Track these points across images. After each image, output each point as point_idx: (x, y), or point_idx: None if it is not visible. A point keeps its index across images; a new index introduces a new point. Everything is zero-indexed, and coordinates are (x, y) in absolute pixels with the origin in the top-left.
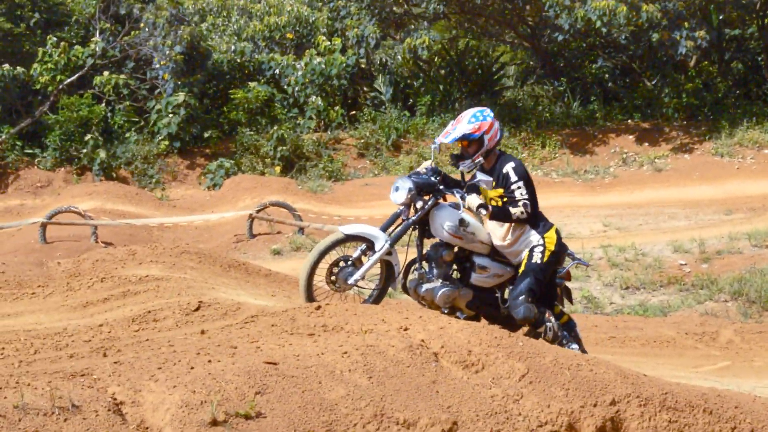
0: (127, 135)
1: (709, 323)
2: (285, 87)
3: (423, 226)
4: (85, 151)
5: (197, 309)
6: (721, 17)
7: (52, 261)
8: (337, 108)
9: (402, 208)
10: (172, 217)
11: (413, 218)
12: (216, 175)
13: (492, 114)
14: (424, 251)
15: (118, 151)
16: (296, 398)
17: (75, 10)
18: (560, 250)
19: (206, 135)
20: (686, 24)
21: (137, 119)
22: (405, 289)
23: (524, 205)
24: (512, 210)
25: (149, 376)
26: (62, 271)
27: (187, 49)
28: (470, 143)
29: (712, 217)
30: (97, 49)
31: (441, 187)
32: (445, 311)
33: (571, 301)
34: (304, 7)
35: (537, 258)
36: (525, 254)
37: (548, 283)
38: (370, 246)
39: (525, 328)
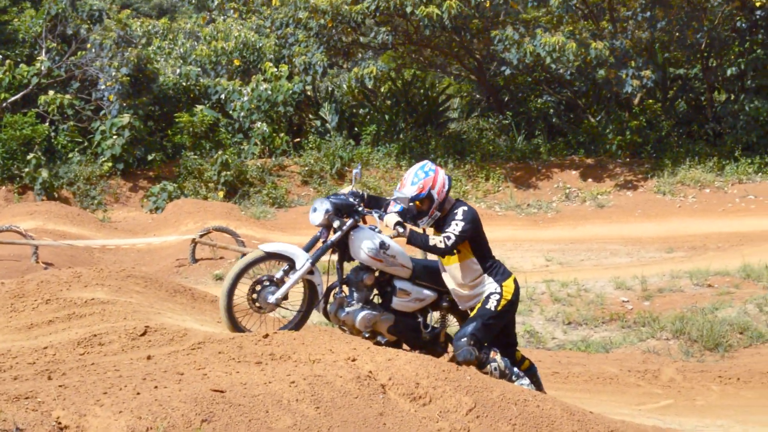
0: (70, 155)
1: (652, 361)
2: (230, 112)
3: (343, 249)
4: (27, 170)
5: (143, 334)
6: (666, 56)
7: None
8: (282, 135)
9: (321, 230)
10: (114, 239)
11: (332, 239)
12: (159, 198)
13: (432, 167)
14: (345, 275)
15: (61, 171)
16: (243, 427)
17: (21, 29)
18: (516, 300)
19: (150, 158)
20: (632, 63)
21: (81, 140)
22: (326, 314)
23: (446, 237)
24: (431, 238)
25: (94, 401)
26: (6, 292)
27: (133, 71)
28: (422, 202)
29: (654, 254)
30: (42, 68)
31: (360, 208)
32: (366, 335)
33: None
34: (252, 33)
35: (491, 305)
36: (481, 300)
37: (507, 330)
38: (293, 266)
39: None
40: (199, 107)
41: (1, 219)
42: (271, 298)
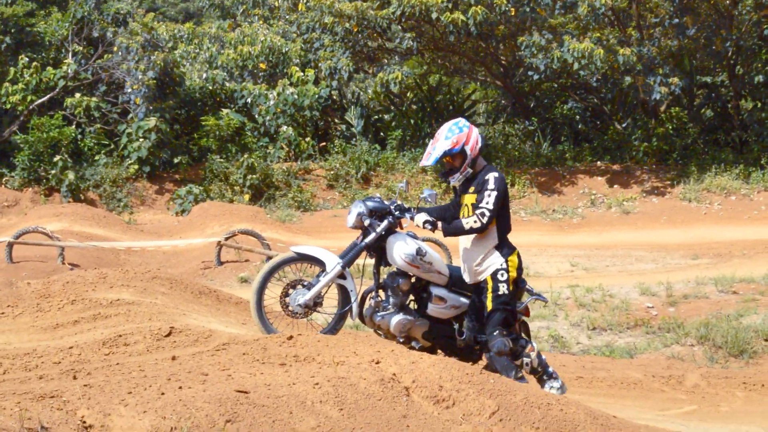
0: (97, 158)
1: (676, 367)
2: (256, 116)
3: (380, 254)
4: (53, 172)
5: (168, 335)
6: (693, 63)
7: (20, 281)
8: (308, 139)
9: (360, 236)
10: (140, 242)
11: (365, 241)
12: (185, 201)
13: (467, 123)
14: (382, 279)
15: (87, 174)
16: (266, 428)
17: (47, 32)
18: (519, 276)
19: (176, 160)
20: (660, 70)
21: (107, 142)
22: (361, 318)
23: (481, 214)
24: (464, 221)
25: (119, 401)
26: (32, 292)
27: (159, 74)
28: (454, 157)
29: (679, 261)
30: (69, 71)
31: (396, 212)
32: (401, 340)
33: (529, 336)
34: (278, 38)
35: (503, 289)
36: (488, 280)
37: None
38: (325, 269)
39: (482, 363)
40: (225, 111)
41: (27, 220)
42: (301, 300)
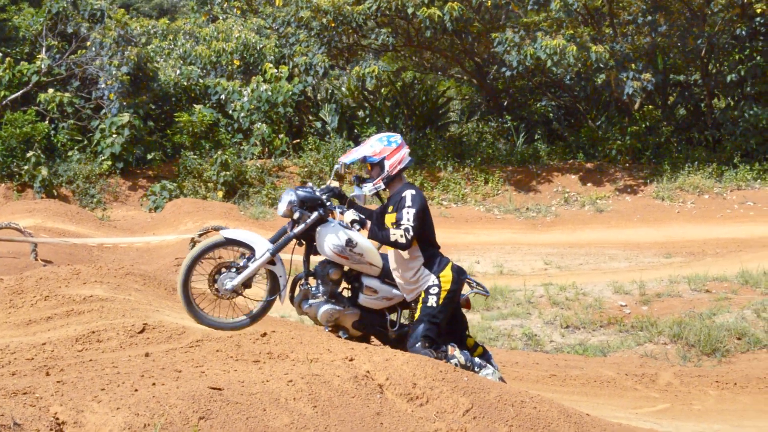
0: (70, 153)
1: (649, 365)
2: (230, 112)
3: (310, 243)
4: (26, 167)
5: (142, 331)
6: (666, 62)
7: None
8: (282, 135)
9: (289, 221)
10: (113, 238)
11: (294, 232)
12: (158, 198)
13: (399, 141)
14: (314, 267)
15: (60, 170)
16: (240, 425)
17: (21, 27)
18: (457, 288)
19: (149, 157)
20: (633, 66)
21: (80, 138)
22: (292, 303)
23: (405, 230)
24: (392, 232)
25: (92, 397)
26: (5, 288)
27: (133, 70)
28: (373, 167)
29: (652, 259)
30: (42, 66)
31: (328, 203)
32: (328, 329)
33: (467, 328)
34: (252, 34)
35: (432, 302)
36: (421, 293)
37: (453, 317)
38: (254, 254)
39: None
40: (198, 107)
41: (0, 216)
42: (229, 285)
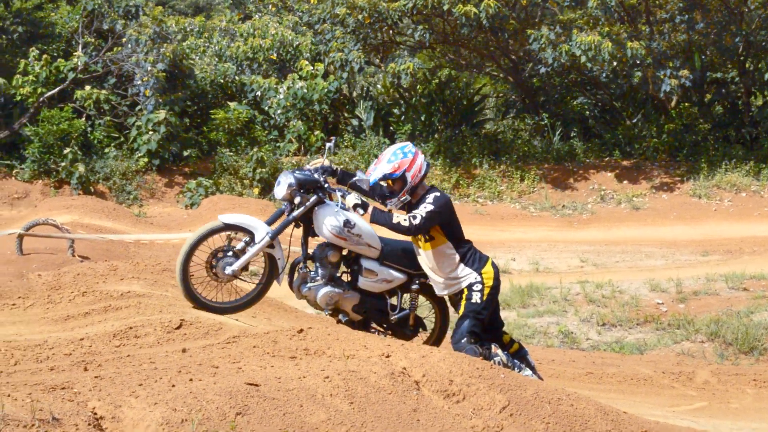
0: (107, 150)
1: (686, 363)
2: (266, 109)
3: (307, 225)
4: (63, 164)
5: (179, 327)
6: (703, 59)
7: (31, 273)
8: (317, 132)
9: (285, 204)
10: (150, 234)
11: (293, 215)
12: (194, 194)
13: (413, 149)
14: (312, 250)
15: (97, 166)
16: (277, 421)
17: (58, 24)
18: (498, 284)
19: (185, 153)
20: (670, 63)
21: (117, 135)
22: (291, 288)
23: (413, 216)
24: (395, 216)
25: (130, 392)
26: (43, 284)
27: (169, 66)
28: (394, 182)
29: (689, 257)
30: (79, 63)
31: (326, 185)
32: (327, 312)
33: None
34: (288, 31)
35: (476, 298)
36: (464, 290)
37: (492, 315)
38: (254, 238)
39: (418, 339)
40: (233, 104)
41: (37, 212)
42: (228, 269)
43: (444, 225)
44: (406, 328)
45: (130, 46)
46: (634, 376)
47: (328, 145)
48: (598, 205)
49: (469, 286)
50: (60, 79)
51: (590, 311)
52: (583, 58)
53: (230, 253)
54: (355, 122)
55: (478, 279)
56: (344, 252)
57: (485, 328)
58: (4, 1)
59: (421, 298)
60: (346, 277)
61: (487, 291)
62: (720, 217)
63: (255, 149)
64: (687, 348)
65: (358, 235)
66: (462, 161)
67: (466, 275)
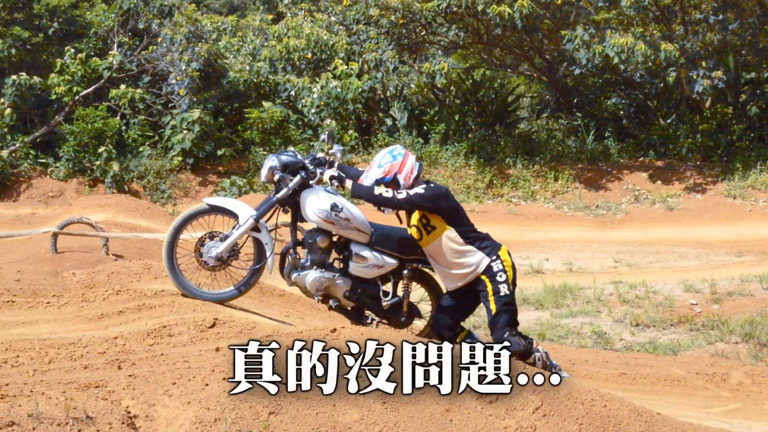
0: (141, 149)
1: (720, 364)
2: (300, 108)
3: (295, 210)
4: (98, 163)
5: (212, 326)
6: (737, 60)
7: (65, 271)
8: (351, 132)
9: (274, 189)
10: (184, 233)
11: (277, 196)
12: (228, 193)
13: (402, 152)
14: (301, 237)
15: (131, 165)
16: (310, 420)
17: (94, 23)
18: (515, 269)
19: (219, 153)
20: (703, 63)
21: (151, 134)
22: (282, 275)
23: (398, 192)
24: (377, 188)
25: (164, 391)
26: (77, 282)
27: (203, 66)
28: (387, 185)
29: (723, 258)
30: (114, 62)
31: (311, 167)
32: (318, 298)
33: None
34: (323, 31)
35: (504, 290)
36: (486, 283)
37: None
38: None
39: (414, 329)
40: (268, 104)
41: (72, 211)
42: (214, 252)
43: (444, 214)
44: (399, 316)
45: (165, 45)
46: (668, 377)
47: (322, 136)
48: (632, 206)
49: (492, 278)
50: (95, 77)
51: (624, 312)
52: (616, 60)
53: (217, 239)
54: (389, 122)
55: (500, 267)
56: (334, 238)
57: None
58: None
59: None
60: (338, 264)
61: (510, 279)
62: (755, 218)
63: (291, 148)
64: (721, 349)
65: (346, 219)
66: (496, 161)
67: (478, 261)
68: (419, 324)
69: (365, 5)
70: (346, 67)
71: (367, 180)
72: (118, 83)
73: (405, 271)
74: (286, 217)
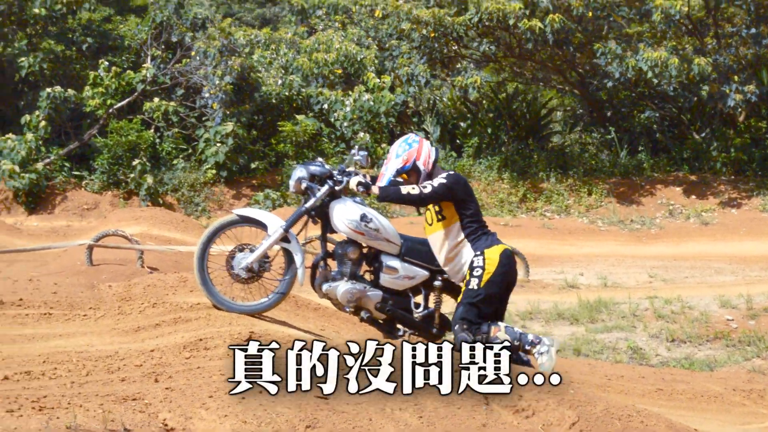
0: (175, 162)
1: (757, 380)
2: (333, 122)
3: (326, 221)
4: (132, 175)
5: (248, 339)
6: None
7: (101, 284)
8: (383, 145)
9: (302, 201)
10: (218, 246)
11: (305, 205)
12: (262, 206)
13: (416, 138)
14: (332, 248)
15: (165, 178)
16: None
17: (127, 36)
18: (504, 272)
19: (253, 166)
20: (736, 78)
21: (185, 147)
22: (313, 287)
23: (423, 186)
24: (403, 186)
25: (200, 404)
26: (113, 295)
27: (236, 79)
28: (409, 174)
29: (759, 273)
30: (147, 75)
31: (338, 177)
32: (349, 310)
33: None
34: (353, 45)
35: (473, 284)
36: (467, 274)
37: (496, 309)
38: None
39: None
40: (301, 117)
41: (107, 224)
42: (243, 263)
43: (458, 203)
44: (431, 327)
45: (198, 58)
46: (704, 393)
47: (357, 157)
48: (667, 220)
49: (471, 270)
50: (129, 90)
51: (659, 327)
52: (650, 74)
53: (248, 250)
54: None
55: (479, 263)
56: (365, 249)
57: (485, 315)
58: (72, 13)
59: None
60: (369, 276)
61: (486, 278)
62: None
63: (317, 159)
64: (758, 365)
65: (376, 229)
66: (529, 175)
67: (467, 254)
68: (451, 336)
69: (397, 19)
70: (378, 80)
71: (387, 172)
72: (152, 96)
73: (436, 283)
74: (318, 231)
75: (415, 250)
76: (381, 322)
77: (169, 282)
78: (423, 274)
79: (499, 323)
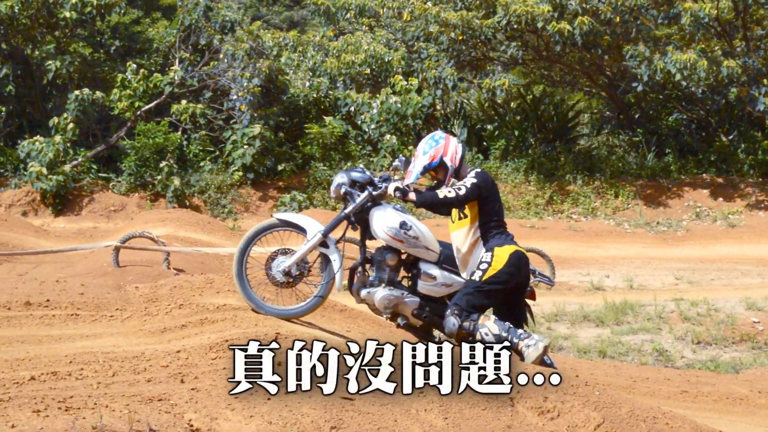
0: (202, 164)
1: None
2: (360, 124)
3: (364, 227)
4: (159, 177)
5: (274, 340)
6: None
7: (128, 285)
8: (411, 147)
9: (343, 207)
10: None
11: (345, 211)
12: (289, 208)
13: (443, 135)
14: (370, 254)
15: (192, 180)
16: None
17: (155, 39)
18: (510, 272)
19: (280, 168)
20: (765, 81)
21: (212, 149)
22: (351, 292)
23: (457, 188)
24: (439, 190)
25: (226, 405)
26: (140, 296)
27: (264, 82)
28: (436, 171)
29: None
30: (175, 77)
31: (378, 183)
32: (386, 316)
33: (533, 320)
34: (381, 47)
35: (476, 276)
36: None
37: (513, 305)
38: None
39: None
40: (328, 119)
41: (134, 225)
42: (281, 266)
43: (482, 201)
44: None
45: (226, 61)
46: (730, 396)
47: (395, 163)
48: (693, 223)
49: (478, 264)
50: (157, 93)
51: (685, 329)
52: (678, 76)
53: (287, 254)
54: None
55: (487, 258)
56: (403, 256)
57: (480, 307)
58: (101, 16)
59: None
60: (406, 282)
61: (490, 273)
62: None
63: (349, 164)
64: None
65: (415, 237)
66: (556, 177)
67: (479, 252)
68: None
69: (425, 21)
70: (405, 82)
71: (415, 170)
72: (180, 99)
73: None
74: (355, 234)
75: (454, 258)
76: (417, 328)
77: (196, 283)
78: (460, 281)
79: (488, 313)
